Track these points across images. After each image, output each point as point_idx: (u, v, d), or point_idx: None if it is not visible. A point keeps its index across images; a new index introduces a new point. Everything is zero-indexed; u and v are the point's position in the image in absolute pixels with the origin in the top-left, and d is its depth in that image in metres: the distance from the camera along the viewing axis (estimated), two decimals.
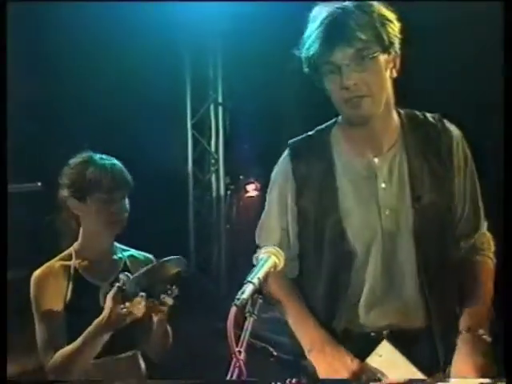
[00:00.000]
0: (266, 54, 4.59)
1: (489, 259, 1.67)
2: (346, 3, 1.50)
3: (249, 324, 1.19)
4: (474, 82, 3.46)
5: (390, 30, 1.50)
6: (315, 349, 1.58)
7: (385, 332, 1.58)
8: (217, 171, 5.51)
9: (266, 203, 1.77)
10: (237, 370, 1.12)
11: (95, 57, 4.47)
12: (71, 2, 4.06)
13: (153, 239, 4.20)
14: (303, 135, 1.73)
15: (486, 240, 1.69)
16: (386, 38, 1.49)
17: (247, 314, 1.21)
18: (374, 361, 1.55)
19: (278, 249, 1.38)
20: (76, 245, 1.94)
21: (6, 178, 1.79)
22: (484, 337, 1.52)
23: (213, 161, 5.53)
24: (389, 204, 1.58)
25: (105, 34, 4.33)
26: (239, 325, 1.16)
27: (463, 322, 1.55)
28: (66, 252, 1.95)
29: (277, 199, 1.71)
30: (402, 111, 1.66)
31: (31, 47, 4.28)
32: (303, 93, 4.83)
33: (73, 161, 1.94)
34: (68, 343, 1.79)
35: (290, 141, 1.73)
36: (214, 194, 5.51)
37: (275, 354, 3.63)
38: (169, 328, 1.93)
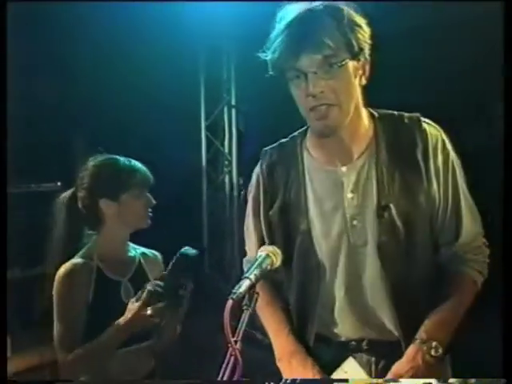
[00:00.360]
0: None
1: (472, 270, 1.54)
2: (315, 5, 1.42)
3: (245, 316, 1.27)
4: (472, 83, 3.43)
5: (359, 35, 1.43)
6: (283, 359, 1.58)
7: (364, 342, 1.55)
8: (230, 172, 5.59)
9: (246, 215, 1.74)
10: (233, 359, 1.20)
11: (110, 59, 4.54)
12: (84, 2, 4.06)
13: (167, 238, 4.29)
14: (276, 143, 1.68)
15: (471, 250, 1.55)
16: (355, 44, 1.42)
17: (244, 307, 1.28)
18: (339, 375, 1.54)
19: (276, 248, 1.44)
20: (96, 242, 1.99)
21: (5, 178, 1.80)
22: (432, 351, 1.44)
23: (226, 162, 5.62)
24: (355, 214, 1.51)
25: (120, 36, 4.37)
26: (235, 317, 1.25)
27: (420, 331, 1.47)
28: (84, 250, 1.98)
29: (252, 211, 1.70)
30: (376, 113, 1.58)
31: (48, 47, 4.34)
32: None
33: (95, 163, 1.99)
34: (90, 340, 1.83)
35: (264, 149, 1.69)
36: (228, 194, 5.60)
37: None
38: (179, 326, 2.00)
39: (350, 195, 1.52)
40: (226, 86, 5.50)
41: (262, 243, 1.65)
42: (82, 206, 1.99)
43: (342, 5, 1.43)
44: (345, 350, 1.57)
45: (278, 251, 1.44)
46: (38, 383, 2.06)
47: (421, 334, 1.47)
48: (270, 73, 1.51)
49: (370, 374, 1.52)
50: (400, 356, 1.49)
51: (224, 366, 1.20)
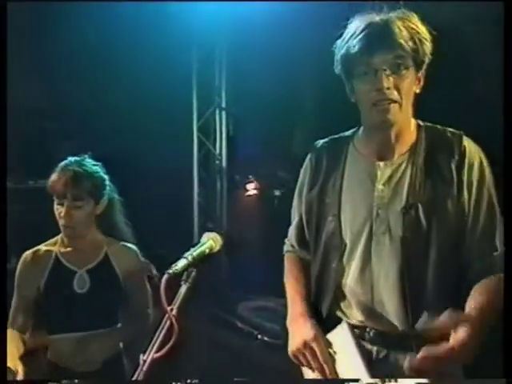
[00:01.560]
0: (269, 62, 4.83)
1: (497, 278, 1.55)
2: (390, 15, 1.54)
3: (182, 290, 1.48)
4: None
5: (425, 48, 1.56)
6: (291, 320, 1.72)
7: (368, 331, 1.61)
8: (220, 171, 5.80)
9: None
10: (168, 322, 1.42)
11: (103, 62, 4.73)
12: (76, 2, 4.22)
13: (159, 236, 4.50)
14: (328, 138, 1.83)
15: (500, 263, 1.57)
16: (421, 54, 1.55)
17: (182, 282, 1.49)
18: (332, 337, 1.62)
19: (217, 235, 1.66)
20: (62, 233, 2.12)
21: (5, 178, 1.90)
22: None
23: (217, 162, 5.82)
24: (382, 205, 1.60)
25: (114, 39, 4.57)
26: (170, 288, 1.47)
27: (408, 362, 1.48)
28: (55, 238, 2.15)
29: (297, 191, 1.85)
30: (422, 124, 1.68)
31: (39, 48, 4.56)
32: (303, 99, 5.15)
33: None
34: (39, 322, 2.02)
35: (315, 142, 1.83)
36: (218, 193, 5.81)
37: (259, 337, 3.94)
38: (150, 311, 2.17)
39: (381, 187, 1.62)
40: (218, 89, 5.73)
41: (300, 222, 1.82)
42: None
43: (414, 17, 1.56)
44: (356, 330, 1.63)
45: (219, 238, 1.66)
46: (38, 383, 1.99)
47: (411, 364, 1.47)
48: (337, 69, 1.63)
49: (370, 364, 1.55)
50: (402, 348, 1.56)
51: (160, 328, 1.43)
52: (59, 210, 2.04)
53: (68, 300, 2.02)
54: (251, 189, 5.77)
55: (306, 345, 1.61)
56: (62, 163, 2.09)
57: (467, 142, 1.62)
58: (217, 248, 1.67)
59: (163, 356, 1.42)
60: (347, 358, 1.57)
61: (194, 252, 1.57)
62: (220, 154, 5.82)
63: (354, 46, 1.54)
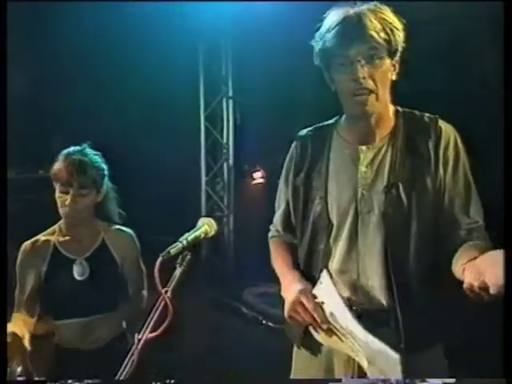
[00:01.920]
0: (274, 53, 4.90)
1: (479, 240, 1.62)
2: (362, 8, 1.61)
3: (177, 272, 1.53)
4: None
5: (397, 37, 1.62)
6: (284, 287, 1.77)
7: (354, 308, 1.65)
8: (227, 160, 5.87)
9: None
10: (163, 303, 1.47)
11: (113, 56, 4.82)
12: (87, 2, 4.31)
13: (167, 222, 4.57)
14: (312, 126, 1.88)
15: (477, 229, 1.65)
16: (393, 43, 1.61)
17: (177, 265, 1.54)
18: (317, 290, 1.70)
19: (212, 220, 1.70)
20: (60, 222, 2.15)
21: (5, 177, 1.88)
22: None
23: (224, 150, 5.89)
24: (365, 185, 1.68)
25: (125, 31, 4.67)
26: (163, 270, 1.52)
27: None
28: (52, 227, 2.16)
29: (283, 178, 1.91)
30: (400, 109, 1.75)
31: (47, 47, 4.66)
32: (308, 88, 5.17)
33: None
34: (45, 309, 2.06)
35: (301, 130, 1.88)
36: (225, 180, 5.89)
37: (264, 322, 4.00)
38: (145, 292, 2.23)
39: (364, 169, 1.70)
40: (224, 79, 5.78)
41: (287, 207, 1.89)
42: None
43: (385, 8, 1.63)
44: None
45: (213, 223, 1.71)
46: (39, 383, 2.00)
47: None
48: (316, 61, 1.70)
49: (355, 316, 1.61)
50: (387, 325, 1.61)
51: (154, 308, 1.49)
52: (63, 198, 2.06)
53: (69, 287, 2.08)
54: (258, 177, 5.83)
55: (295, 302, 1.67)
56: (65, 152, 2.12)
57: (443, 124, 1.70)
58: (212, 233, 1.71)
59: (158, 336, 1.47)
60: (333, 305, 1.65)
61: (189, 236, 1.61)
62: (227, 142, 5.88)
63: (330, 40, 1.62)
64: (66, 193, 2.06)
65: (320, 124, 1.88)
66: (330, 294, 1.67)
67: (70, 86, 4.80)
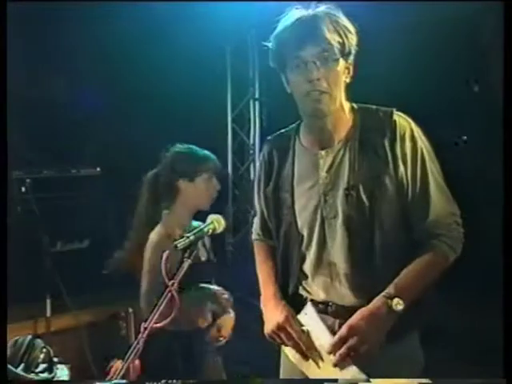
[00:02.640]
0: None
1: (442, 244, 1.65)
2: (317, 10, 1.65)
3: (184, 265, 1.60)
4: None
5: (351, 40, 1.66)
6: (264, 303, 1.86)
7: (330, 305, 1.74)
8: (254, 161, 5.90)
9: None
10: (169, 295, 1.55)
11: (142, 58, 4.90)
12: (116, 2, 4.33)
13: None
14: (276, 133, 1.95)
15: (443, 226, 1.67)
16: (347, 46, 1.65)
17: (185, 259, 1.61)
18: (301, 318, 1.76)
19: (220, 217, 1.79)
20: (166, 220, 2.32)
21: (6, 177, 1.97)
22: (395, 303, 1.57)
23: (251, 151, 5.94)
24: (328, 191, 1.72)
25: (154, 33, 4.75)
26: (168, 262, 1.56)
27: (390, 287, 1.61)
28: (158, 226, 2.32)
29: (256, 185, 1.98)
30: (356, 106, 1.77)
31: (88, 47, 4.75)
32: None
33: (177, 149, 2.42)
34: None
35: (267, 138, 1.96)
36: (251, 182, 5.90)
37: None
38: None
39: (324, 174, 1.73)
40: (251, 80, 5.83)
41: (262, 215, 1.96)
42: (163, 183, 2.41)
43: (339, 12, 1.67)
44: (319, 308, 1.77)
45: (222, 220, 1.79)
46: (38, 383, 2.09)
47: (390, 289, 1.61)
48: (271, 63, 1.73)
49: (333, 334, 1.66)
50: None
51: (162, 299, 1.56)
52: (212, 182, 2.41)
53: None
54: None
55: (279, 327, 1.73)
56: (187, 148, 2.46)
57: (397, 117, 1.70)
58: (220, 229, 1.80)
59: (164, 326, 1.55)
60: (318, 333, 1.70)
61: (198, 233, 1.69)
62: (254, 144, 5.92)
63: (285, 41, 1.65)
64: None
65: (281, 131, 1.93)
66: (315, 325, 1.72)
67: (102, 89, 4.90)
